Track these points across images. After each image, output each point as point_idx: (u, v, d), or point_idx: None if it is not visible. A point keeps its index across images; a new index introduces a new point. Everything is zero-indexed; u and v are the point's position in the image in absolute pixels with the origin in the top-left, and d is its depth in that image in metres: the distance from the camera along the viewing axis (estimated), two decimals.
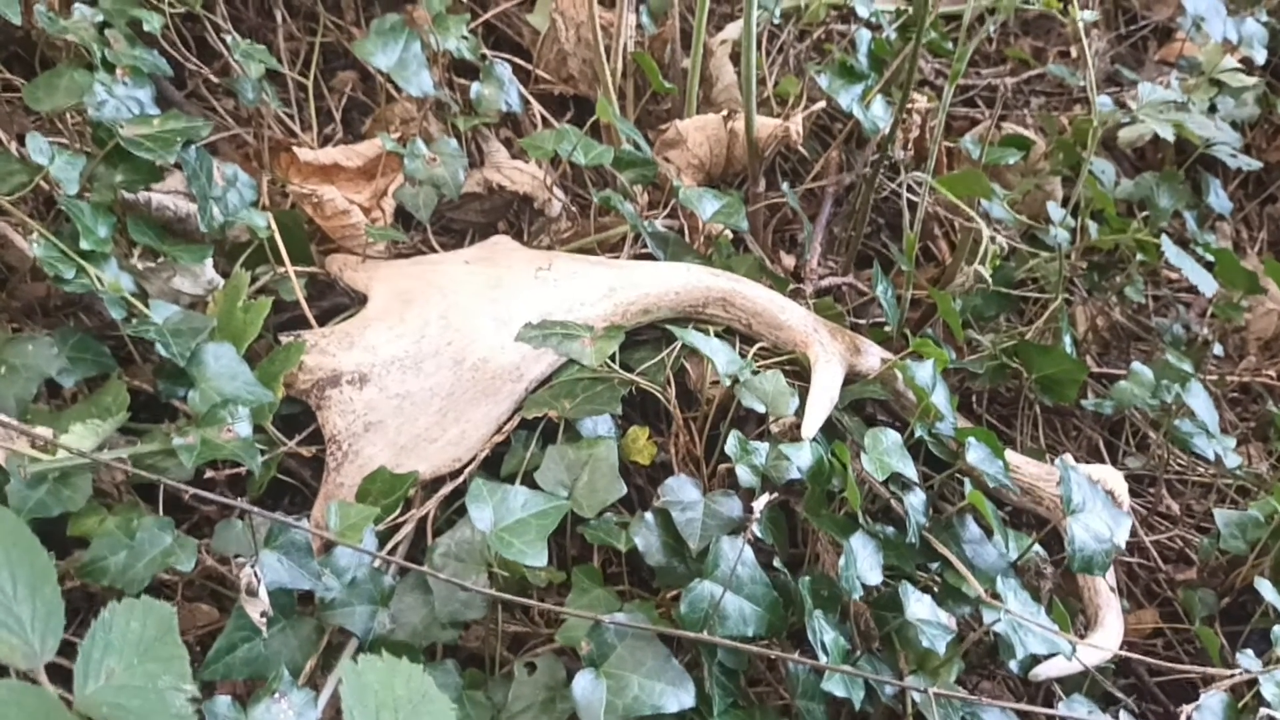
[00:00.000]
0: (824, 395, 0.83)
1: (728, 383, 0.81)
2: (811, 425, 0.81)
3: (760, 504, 0.73)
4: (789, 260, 1.10)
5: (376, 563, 0.78)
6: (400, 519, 0.82)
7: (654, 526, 0.77)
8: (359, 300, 0.96)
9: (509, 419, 0.87)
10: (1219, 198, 1.25)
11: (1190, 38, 1.43)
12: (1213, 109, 1.35)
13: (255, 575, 0.70)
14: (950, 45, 1.24)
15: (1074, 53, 1.57)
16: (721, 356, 0.82)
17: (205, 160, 0.88)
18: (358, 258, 0.97)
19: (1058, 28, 1.62)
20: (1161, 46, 1.66)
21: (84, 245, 0.81)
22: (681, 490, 0.78)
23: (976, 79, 1.46)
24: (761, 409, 0.83)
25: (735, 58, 1.22)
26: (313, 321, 0.94)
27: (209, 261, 0.88)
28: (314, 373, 0.87)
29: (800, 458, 0.79)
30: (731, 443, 0.80)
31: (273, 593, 0.72)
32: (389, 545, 0.82)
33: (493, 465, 0.87)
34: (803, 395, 0.86)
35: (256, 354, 0.89)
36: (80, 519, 0.78)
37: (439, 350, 0.88)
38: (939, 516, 0.86)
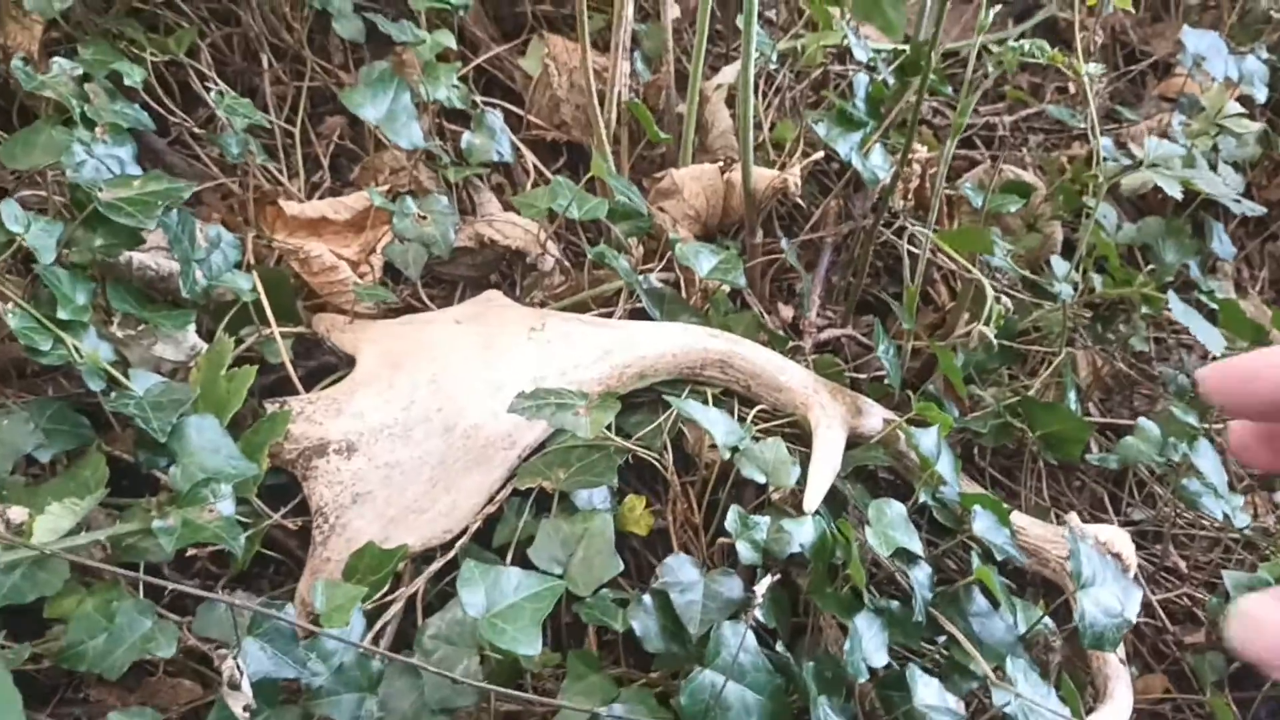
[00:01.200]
0: (826, 465, 0.81)
1: (727, 454, 0.79)
2: (813, 499, 0.78)
3: (762, 587, 0.70)
4: (787, 312, 1.08)
5: (365, 641, 0.75)
6: (388, 597, 0.79)
7: (652, 609, 0.74)
8: (347, 361, 0.94)
9: (501, 488, 0.85)
10: (1223, 244, 1.23)
11: (1191, 75, 1.41)
12: (1213, 148, 1.33)
13: (238, 667, 0.67)
14: (949, 88, 1.22)
15: (1072, 89, 1.56)
16: (720, 427, 0.80)
17: (188, 223, 0.86)
18: (345, 317, 0.95)
19: (1054, 65, 1.60)
20: (1161, 81, 1.64)
21: (61, 314, 0.78)
22: (680, 570, 0.75)
23: (974, 117, 1.44)
24: (762, 479, 0.81)
25: (731, 101, 1.20)
26: (299, 386, 0.91)
27: (191, 327, 0.85)
28: (300, 442, 0.84)
29: (802, 533, 0.76)
30: (731, 518, 0.77)
31: (256, 683, 0.70)
32: (378, 625, 0.79)
33: (484, 536, 0.85)
34: (804, 461, 0.83)
35: (241, 421, 0.87)
36: (58, 601, 0.75)
37: (429, 417, 0.85)
38: (944, 589, 0.83)
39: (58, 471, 0.84)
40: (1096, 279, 1.03)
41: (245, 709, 0.68)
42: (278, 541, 0.87)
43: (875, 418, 0.92)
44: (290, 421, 0.84)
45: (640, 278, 0.97)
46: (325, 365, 0.97)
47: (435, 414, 0.85)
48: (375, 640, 0.79)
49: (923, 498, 0.85)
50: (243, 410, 0.86)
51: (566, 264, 1.03)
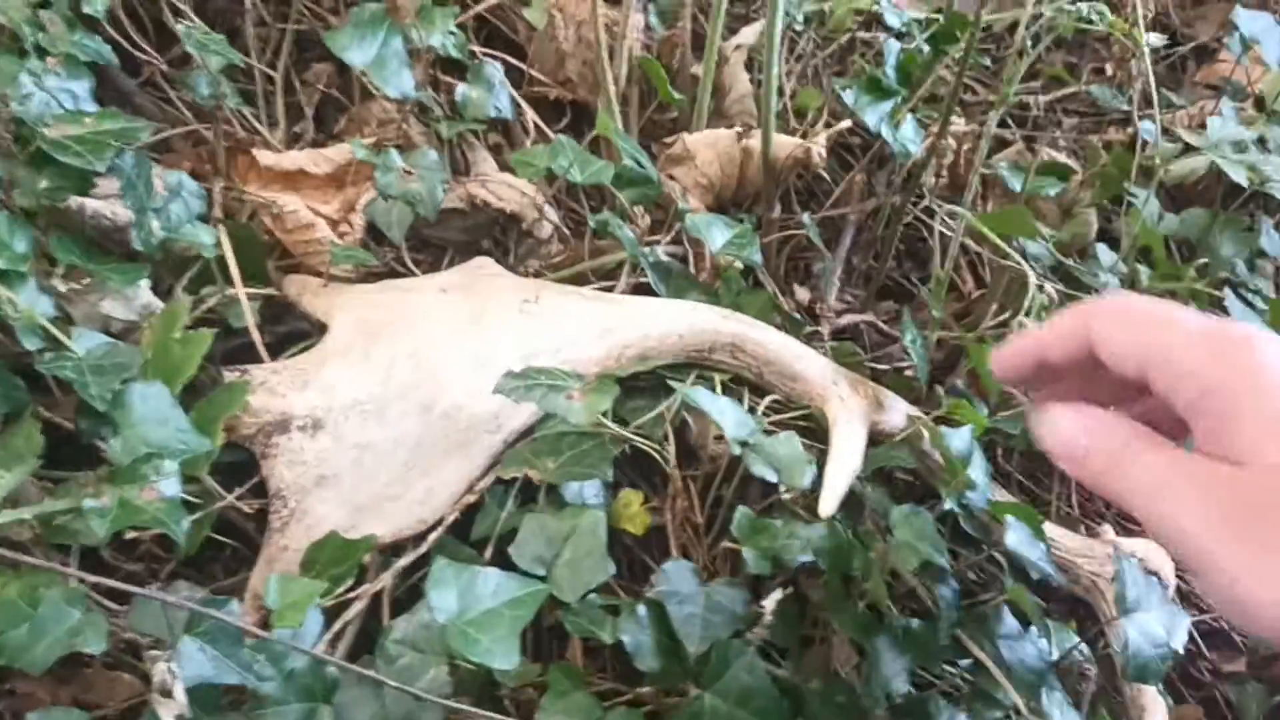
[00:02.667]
0: (845, 464, 0.73)
1: (737, 449, 0.70)
2: (831, 501, 0.70)
3: (771, 602, 0.62)
4: (803, 294, 0.99)
5: (319, 649, 0.67)
6: (351, 594, 0.71)
7: (646, 622, 0.66)
8: (319, 328, 0.85)
9: (483, 475, 0.76)
10: (1271, 239, 1.15)
11: (1240, 61, 1.32)
12: (1260, 140, 1.25)
13: (171, 672, 0.59)
14: (986, 59, 1.13)
15: (1109, 70, 1.47)
16: (730, 418, 0.71)
17: (144, 166, 0.77)
18: (320, 280, 0.86)
19: (1092, 43, 1.51)
20: (1201, 67, 1.55)
21: None
22: (679, 578, 0.67)
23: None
24: (773, 477, 0.72)
25: (750, 65, 1.11)
26: (264, 353, 0.82)
27: (145, 283, 0.77)
28: (260, 415, 0.75)
29: (817, 540, 0.68)
30: (739, 521, 0.69)
31: (193, 689, 0.61)
32: (337, 625, 0.70)
33: (462, 528, 0.76)
34: (820, 459, 0.75)
35: (199, 389, 0.78)
36: None
37: (406, 394, 0.76)
38: (971, 607, 0.75)
39: None
40: (1143, 271, 0.95)
41: (178, 718, 0.60)
42: (233, 524, 0.79)
43: (899, 414, 0.83)
44: (250, 392, 0.75)
45: (646, 250, 0.88)
46: (296, 331, 0.88)
47: (413, 391, 0.76)
48: (334, 642, 0.70)
49: (948, 504, 0.77)
50: (200, 378, 0.77)
51: (565, 232, 0.94)
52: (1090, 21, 0.85)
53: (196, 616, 0.63)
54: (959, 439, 0.74)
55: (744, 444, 0.70)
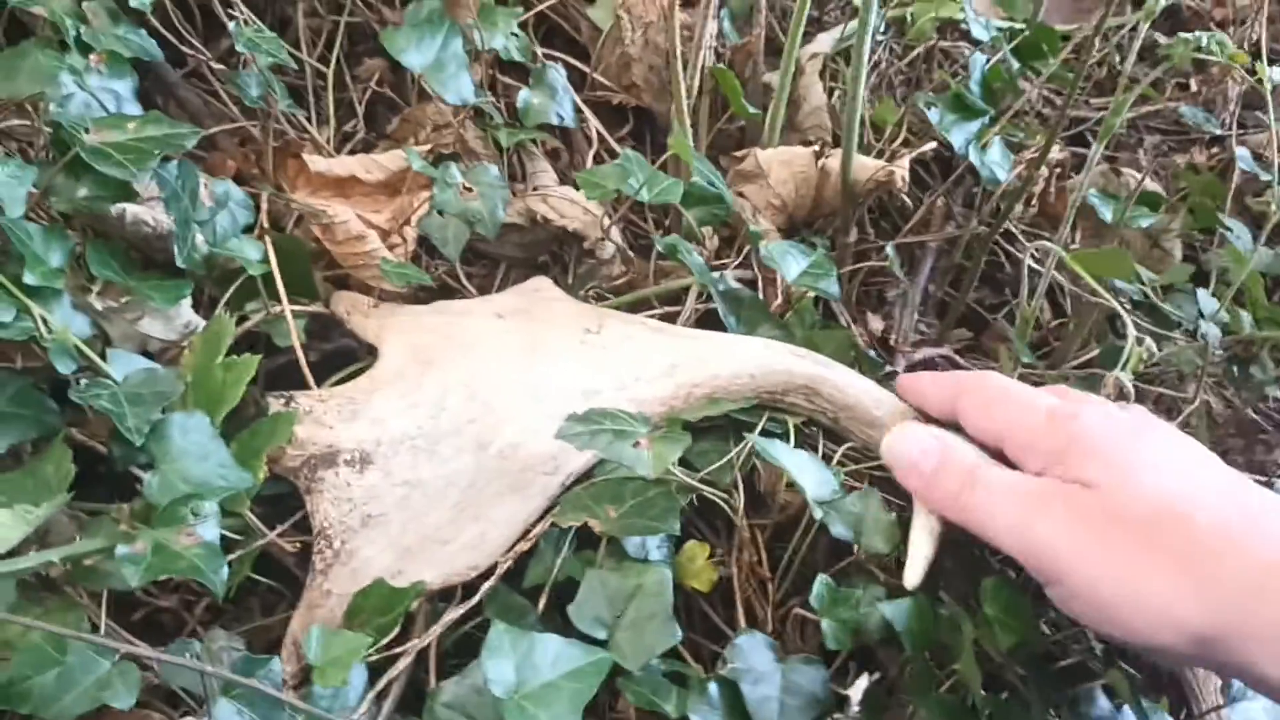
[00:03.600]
0: (931, 530, 0.67)
1: (819, 513, 0.65)
2: (916, 573, 0.64)
3: (858, 691, 0.57)
4: (876, 323, 0.93)
5: (362, 710, 0.62)
6: (397, 649, 0.66)
7: (718, 702, 0.60)
8: (367, 349, 0.80)
9: (538, 520, 0.71)
10: None
11: None
12: None
13: None
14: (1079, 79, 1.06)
15: (1194, 85, 1.39)
16: (810, 476, 0.66)
17: (189, 176, 0.72)
18: (369, 299, 0.81)
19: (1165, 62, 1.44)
20: None
21: (29, 279, 0.64)
22: (753, 653, 0.62)
23: (1085, 110, 1.28)
24: (850, 537, 0.67)
25: (823, 74, 1.05)
26: (310, 378, 0.77)
27: (187, 301, 0.72)
28: (305, 447, 0.71)
29: (901, 616, 0.63)
30: (818, 590, 0.63)
31: None
32: (381, 682, 0.65)
33: (514, 575, 0.71)
34: (901, 518, 0.70)
35: (241, 414, 0.74)
36: (2, 624, 0.62)
37: (460, 429, 0.71)
38: (1058, 685, 0.69)
39: (22, 458, 0.71)
40: (1244, 316, 0.88)
41: None
42: (273, 559, 0.74)
43: None
44: (297, 422, 0.70)
45: (716, 275, 0.82)
46: (343, 350, 0.83)
47: (467, 426, 0.71)
48: (379, 699, 0.65)
49: None
50: (243, 401, 0.73)
51: (629, 253, 0.88)
52: (1210, 52, 0.78)
53: (235, 673, 0.59)
54: None
55: (825, 504, 0.65)
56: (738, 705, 0.60)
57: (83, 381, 0.64)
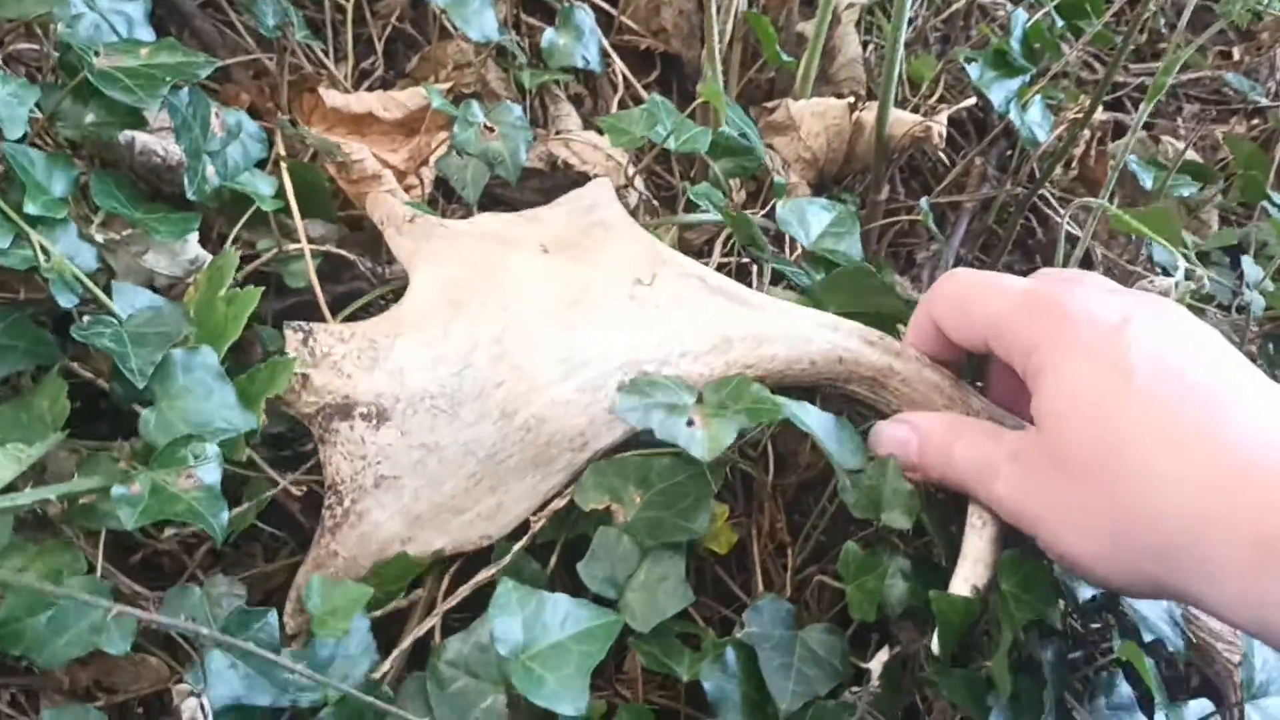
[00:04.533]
0: (990, 541, 0.60)
1: (847, 485, 0.62)
2: (967, 578, 0.59)
3: (878, 664, 0.55)
4: (904, 285, 0.90)
5: (363, 668, 0.60)
6: (403, 602, 0.64)
7: (734, 668, 0.58)
8: (380, 275, 0.77)
9: (560, 493, 0.67)
10: None
11: None
12: None
13: (202, 709, 0.52)
14: (1118, 39, 1.03)
15: (1237, 54, 1.35)
16: (842, 445, 0.63)
17: (201, 106, 0.69)
18: (408, 212, 0.75)
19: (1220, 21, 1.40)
20: None
21: (30, 208, 0.62)
22: (773, 619, 0.59)
23: (1126, 75, 1.24)
24: (873, 516, 0.64)
25: (859, 25, 1.02)
26: (327, 313, 0.74)
27: (194, 236, 0.69)
28: (322, 395, 0.66)
29: (939, 599, 0.60)
30: (845, 556, 0.61)
31: (220, 711, 0.55)
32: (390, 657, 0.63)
33: (522, 532, 0.69)
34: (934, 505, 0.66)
35: (240, 352, 0.71)
36: None
37: (484, 393, 0.66)
38: (1076, 667, 0.67)
39: (20, 388, 0.69)
40: None
41: None
42: (276, 501, 0.72)
43: None
44: (313, 365, 0.66)
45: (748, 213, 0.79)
46: (355, 292, 0.80)
47: (494, 390, 0.66)
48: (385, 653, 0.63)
49: None
50: (245, 337, 0.70)
51: (655, 203, 0.85)
52: (1272, 11, 0.75)
53: (229, 626, 0.57)
54: None
55: (853, 474, 0.62)
56: (753, 671, 0.58)
57: (85, 318, 0.62)
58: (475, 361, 0.67)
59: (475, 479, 0.66)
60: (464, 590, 0.64)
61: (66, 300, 0.62)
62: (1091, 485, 0.50)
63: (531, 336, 0.67)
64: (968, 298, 0.57)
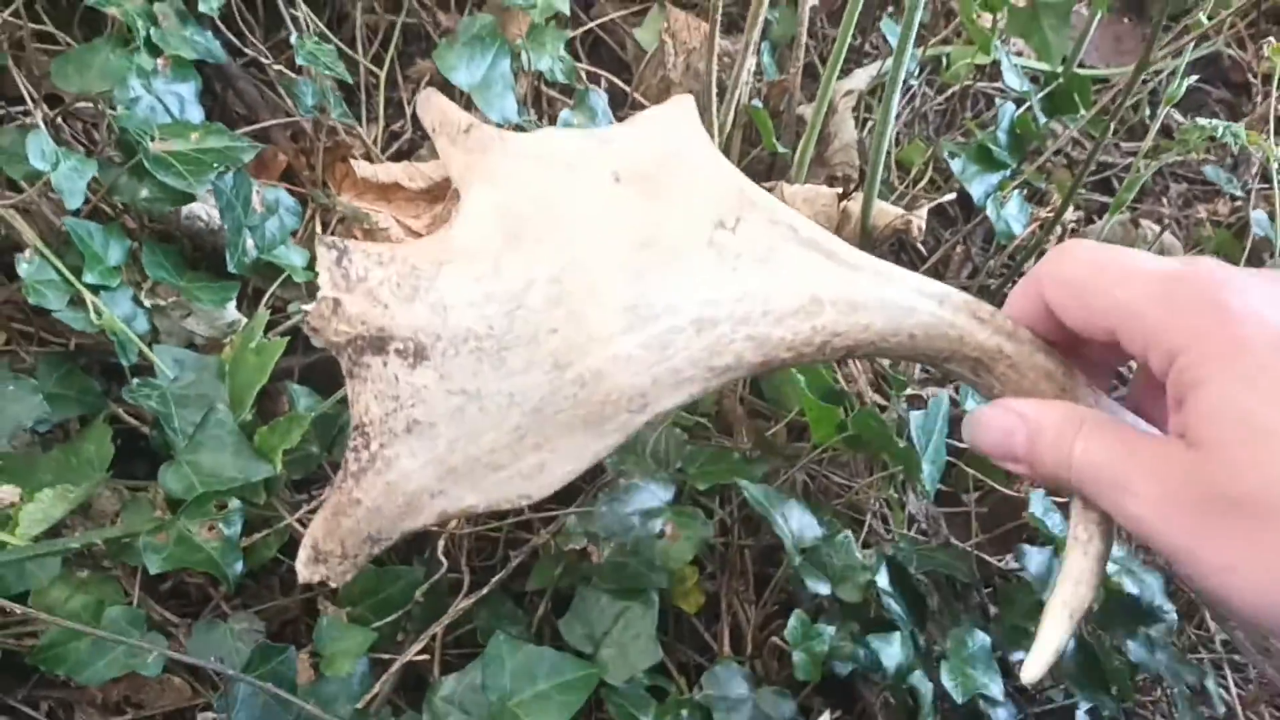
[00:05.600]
0: (1070, 612, 0.51)
1: (796, 559, 0.69)
2: (1037, 665, 0.49)
3: None
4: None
5: (364, 700, 0.68)
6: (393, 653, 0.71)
7: None
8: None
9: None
10: None
11: None
12: None
13: None
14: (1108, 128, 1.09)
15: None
16: (793, 522, 0.70)
17: (244, 185, 0.76)
18: (465, 119, 0.65)
19: (1210, 103, 1.46)
20: None
21: (89, 278, 0.70)
22: (729, 684, 0.67)
23: (1113, 155, 1.31)
24: (826, 590, 0.71)
25: (857, 106, 1.08)
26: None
27: (231, 304, 0.77)
28: (354, 324, 0.57)
29: (890, 653, 0.67)
30: (792, 625, 0.68)
31: None
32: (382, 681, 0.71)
33: (520, 577, 0.76)
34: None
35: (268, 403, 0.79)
36: (44, 592, 0.68)
37: (536, 338, 0.58)
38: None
39: (69, 434, 0.77)
40: None
41: None
42: (294, 538, 0.79)
43: None
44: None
45: None
46: None
47: (547, 337, 0.58)
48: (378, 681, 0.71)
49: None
50: (274, 388, 0.77)
51: None
52: (1225, 143, 0.81)
53: (254, 659, 0.65)
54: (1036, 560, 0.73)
55: (802, 551, 0.69)
56: None
57: (135, 380, 0.69)
58: (529, 302, 0.58)
59: (519, 433, 0.58)
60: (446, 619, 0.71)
61: (127, 359, 0.70)
62: (1275, 531, 0.41)
63: (594, 280, 0.59)
64: (1089, 283, 0.48)
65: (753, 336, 0.57)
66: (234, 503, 0.67)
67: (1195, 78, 1.36)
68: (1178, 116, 1.35)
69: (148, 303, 0.74)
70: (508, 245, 0.60)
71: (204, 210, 0.82)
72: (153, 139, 0.72)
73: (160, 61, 0.79)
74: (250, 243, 0.77)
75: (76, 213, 0.73)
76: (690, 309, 0.57)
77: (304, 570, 0.57)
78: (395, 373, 0.58)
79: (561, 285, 0.59)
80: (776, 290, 0.58)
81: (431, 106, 0.67)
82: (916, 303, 0.58)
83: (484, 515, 0.71)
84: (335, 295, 0.57)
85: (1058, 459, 0.48)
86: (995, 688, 0.68)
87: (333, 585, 0.55)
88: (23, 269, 0.68)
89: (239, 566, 0.66)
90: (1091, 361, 0.52)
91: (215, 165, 0.72)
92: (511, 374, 0.58)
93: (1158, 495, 0.44)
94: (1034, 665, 0.48)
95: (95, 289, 0.70)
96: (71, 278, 0.70)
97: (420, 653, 0.73)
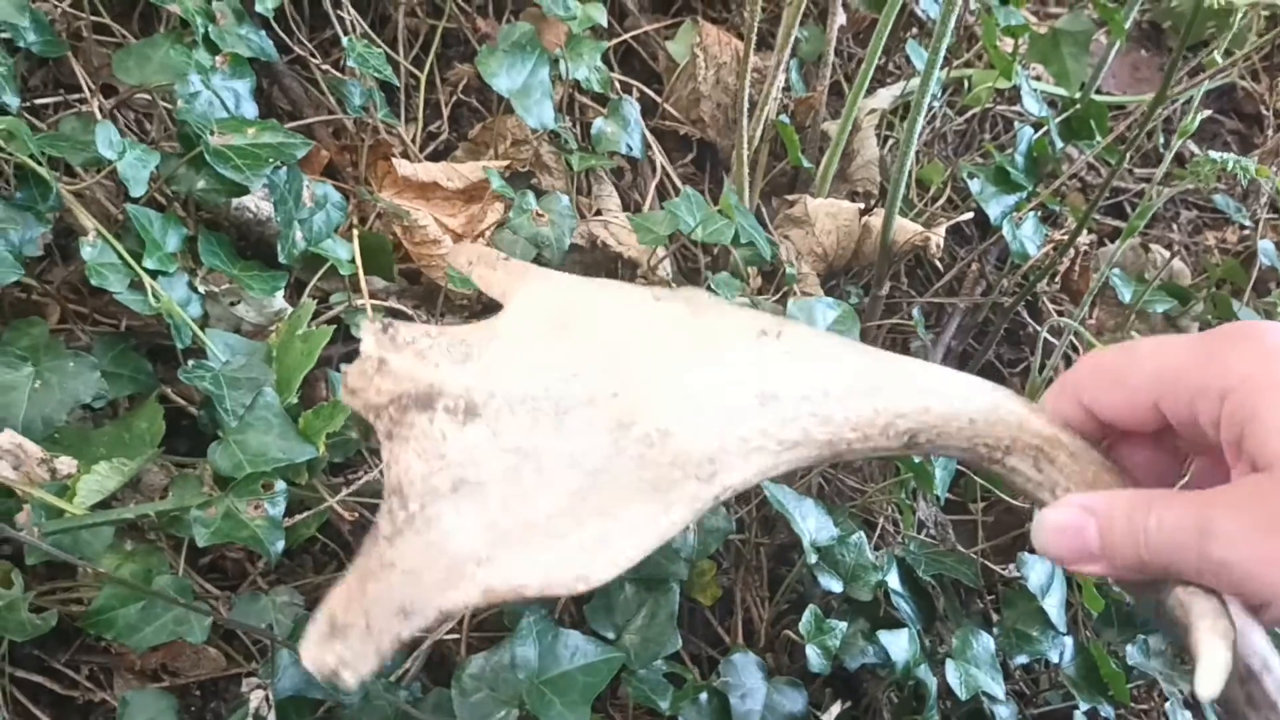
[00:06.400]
0: (1219, 633, 0.47)
1: (813, 557, 0.73)
2: (1211, 684, 0.45)
3: (830, 715, 0.65)
4: None
5: (395, 675, 0.71)
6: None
7: (706, 710, 0.69)
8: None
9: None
10: None
11: None
12: None
13: (267, 701, 0.63)
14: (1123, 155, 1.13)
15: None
16: (810, 521, 0.74)
17: (296, 180, 0.80)
18: (498, 254, 0.67)
19: (1223, 133, 1.50)
20: None
21: (148, 263, 0.73)
22: (744, 672, 0.70)
23: (1126, 181, 1.34)
24: (839, 588, 0.74)
25: (880, 124, 1.12)
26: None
27: (280, 292, 0.80)
28: (400, 381, 0.54)
29: (898, 649, 0.70)
30: (806, 620, 0.72)
31: (281, 702, 0.66)
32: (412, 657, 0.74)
33: None
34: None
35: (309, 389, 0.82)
36: (96, 559, 0.71)
37: (596, 400, 0.55)
38: None
39: (118, 412, 0.81)
40: None
41: None
42: (330, 521, 0.83)
43: None
44: (393, 350, 0.63)
45: (762, 299, 0.90)
46: None
47: (606, 400, 0.55)
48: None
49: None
50: (316, 374, 0.81)
51: (682, 279, 0.96)
52: (1235, 175, 0.85)
53: (297, 631, 0.68)
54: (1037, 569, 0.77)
55: (818, 550, 0.72)
56: (723, 715, 0.68)
57: (190, 362, 0.72)
58: (585, 371, 0.56)
59: (579, 496, 0.53)
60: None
61: (182, 341, 0.74)
62: None
63: (651, 364, 0.56)
64: (1124, 364, 0.48)
65: (816, 413, 0.55)
66: (279, 484, 0.70)
67: (1209, 112, 1.41)
68: (1192, 146, 1.39)
69: (201, 289, 0.77)
70: (558, 332, 0.59)
71: (253, 202, 0.86)
72: (212, 133, 0.76)
73: (219, 58, 0.82)
74: (299, 235, 0.80)
75: (136, 200, 0.76)
76: (752, 384, 0.55)
77: (314, 651, 0.46)
78: (443, 429, 0.54)
79: (617, 360, 0.56)
80: (834, 374, 0.56)
81: (463, 251, 0.68)
82: (973, 389, 0.56)
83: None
84: (381, 354, 0.55)
85: (1133, 542, 0.46)
86: (998, 688, 0.71)
87: (348, 680, 0.44)
88: (86, 252, 0.72)
89: (280, 544, 0.69)
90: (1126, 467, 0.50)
91: (270, 160, 0.75)
92: (572, 434, 0.54)
93: (1245, 528, 0.43)
94: (1208, 685, 0.45)
95: (154, 274, 0.73)
96: (132, 262, 0.73)
97: (449, 633, 0.77)
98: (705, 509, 0.53)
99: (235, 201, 0.84)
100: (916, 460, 0.78)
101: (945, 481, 0.77)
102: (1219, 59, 0.83)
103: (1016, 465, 0.55)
